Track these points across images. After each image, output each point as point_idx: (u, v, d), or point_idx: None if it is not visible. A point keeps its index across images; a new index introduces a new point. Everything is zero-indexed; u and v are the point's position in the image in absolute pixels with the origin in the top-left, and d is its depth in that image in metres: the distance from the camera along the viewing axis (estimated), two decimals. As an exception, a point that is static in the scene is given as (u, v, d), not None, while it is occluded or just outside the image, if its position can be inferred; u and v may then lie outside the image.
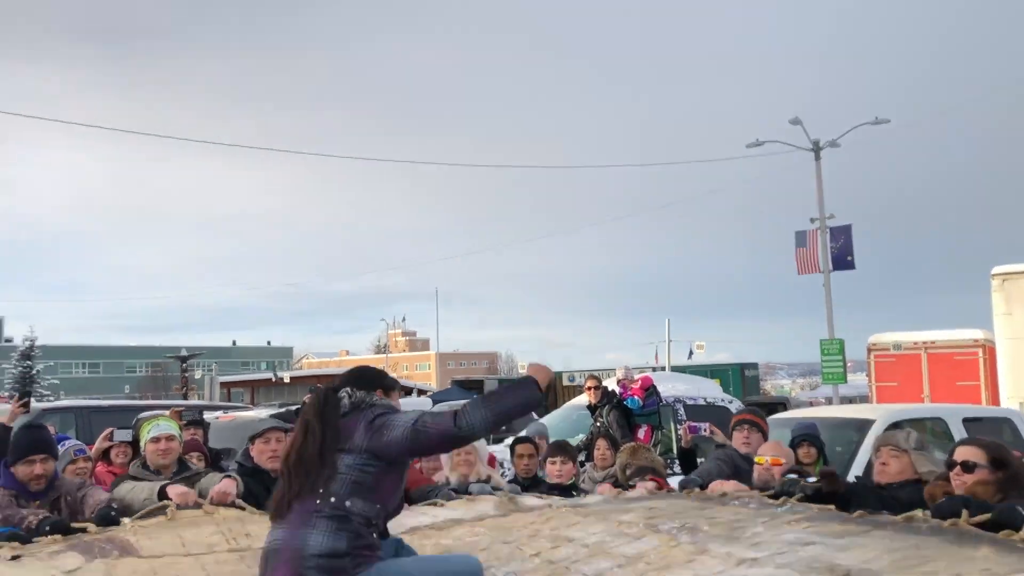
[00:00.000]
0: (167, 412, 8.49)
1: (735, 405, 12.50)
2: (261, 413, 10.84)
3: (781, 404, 19.65)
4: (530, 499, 4.75)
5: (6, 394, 35.24)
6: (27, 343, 54.36)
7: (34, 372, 52.55)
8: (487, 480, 5.37)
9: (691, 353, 37.64)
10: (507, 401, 2.94)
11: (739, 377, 30.11)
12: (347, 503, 2.93)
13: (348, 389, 3.16)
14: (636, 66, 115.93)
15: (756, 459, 4.85)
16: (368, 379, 3.23)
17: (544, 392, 2.98)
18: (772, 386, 58.65)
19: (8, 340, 68.28)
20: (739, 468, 5.02)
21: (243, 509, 4.15)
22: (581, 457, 6.81)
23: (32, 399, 7.59)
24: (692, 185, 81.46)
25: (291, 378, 33.76)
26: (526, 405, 2.97)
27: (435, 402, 23.28)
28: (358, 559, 2.90)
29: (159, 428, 4.68)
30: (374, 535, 2.99)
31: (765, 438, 5.43)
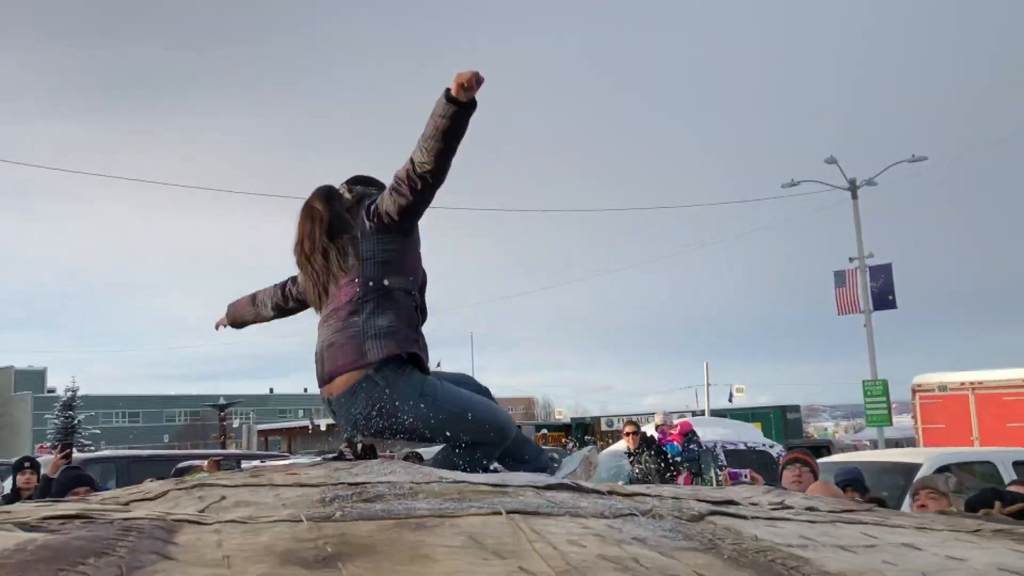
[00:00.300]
0: (204, 463, 8.54)
1: (776, 450, 12.28)
2: (298, 461, 10.83)
3: (825, 447, 19.27)
4: None
5: (48, 445, 35.76)
6: (69, 393, 55.20)
7: (75, 422, 53.27)
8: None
9: (731, 396, 37.08)
10: (430, 121, 2.88)
11: (781, 420, 29.61)
12: (385, 281, 3.04)
13: (346, 186, 3.25)
14: (670, 107, 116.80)
15: (806, 500, 4.75)
16: (367, 179, 3.30)
17: (462, 95, 2.78)
18: (815, 429, 57.49)
19: (51, 390, 69.36)
20: (788, 507, 4.93)
21: None
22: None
23: (74, 450, 7.67)
24: (728, 226, 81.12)
25: (327, 426, 33.85)
26: (444, 116, 2.82)
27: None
28: (410, 338, 3.02)
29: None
30: (416, 307, 3.12)
31: (815, 478, 5.33)
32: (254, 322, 3.76)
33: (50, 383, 72.80)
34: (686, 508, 1.43)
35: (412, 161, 2.93)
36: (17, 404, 69.04)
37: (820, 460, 8.17)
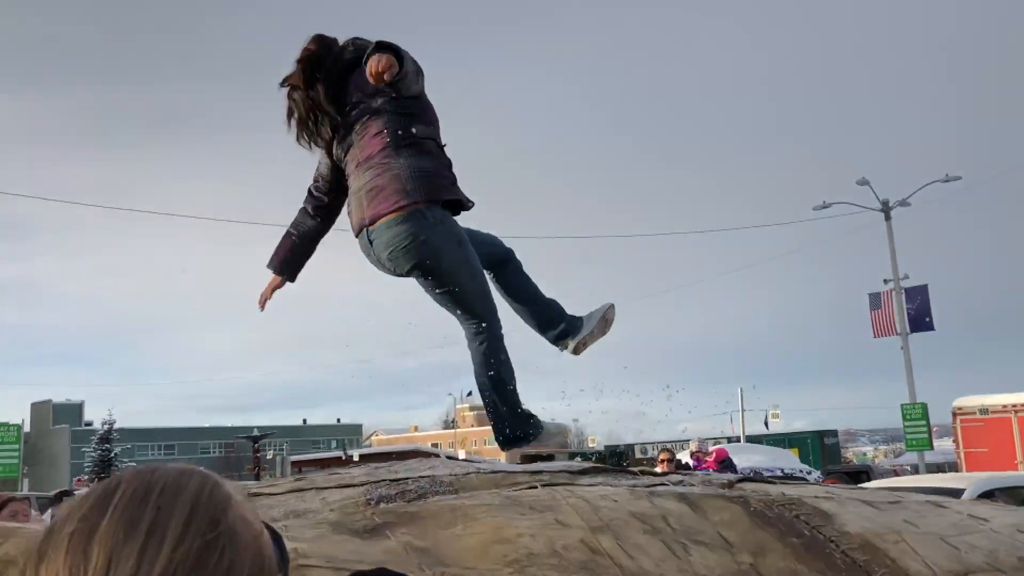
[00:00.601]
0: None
1: (814, 476, 12.17)
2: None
3: (864, 472, 18.93)
4: None
5: (86, 478, 36.15)
6: (106, 426, 55.88)
7: (112, 455, 53.84)
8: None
9: (767, 422, 36.53)
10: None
11: (818, 445, 29.14)
12: (412, 129, 3.12)
13: (349, 40, 3.30)
14: (699, 130, 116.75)
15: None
16: (366, 42, 3.32)
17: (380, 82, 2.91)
18: (854, 454, 56.44)
19: (88, 424, 70.18)
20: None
21: None
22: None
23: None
24: (760, 250, 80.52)
25: (360, 456, 33.86)
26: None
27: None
28: (446, 181, 3.14)
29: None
30: (444, 153, 3.22)
31: (851, 503, 5.26)
32: (306, 254, 3.53)
33: (87, 416, 73.65)
34: (716, 479, 1.46)
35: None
36: (55, 437, 69.91)
37: (861, 486, 8.05)
